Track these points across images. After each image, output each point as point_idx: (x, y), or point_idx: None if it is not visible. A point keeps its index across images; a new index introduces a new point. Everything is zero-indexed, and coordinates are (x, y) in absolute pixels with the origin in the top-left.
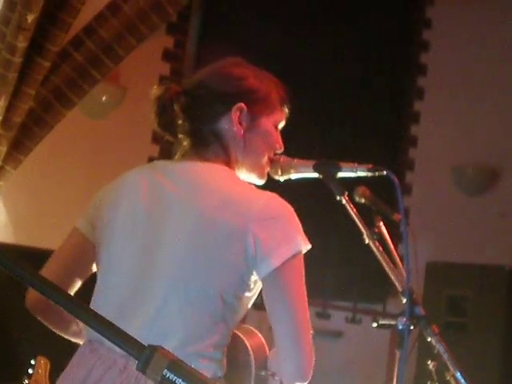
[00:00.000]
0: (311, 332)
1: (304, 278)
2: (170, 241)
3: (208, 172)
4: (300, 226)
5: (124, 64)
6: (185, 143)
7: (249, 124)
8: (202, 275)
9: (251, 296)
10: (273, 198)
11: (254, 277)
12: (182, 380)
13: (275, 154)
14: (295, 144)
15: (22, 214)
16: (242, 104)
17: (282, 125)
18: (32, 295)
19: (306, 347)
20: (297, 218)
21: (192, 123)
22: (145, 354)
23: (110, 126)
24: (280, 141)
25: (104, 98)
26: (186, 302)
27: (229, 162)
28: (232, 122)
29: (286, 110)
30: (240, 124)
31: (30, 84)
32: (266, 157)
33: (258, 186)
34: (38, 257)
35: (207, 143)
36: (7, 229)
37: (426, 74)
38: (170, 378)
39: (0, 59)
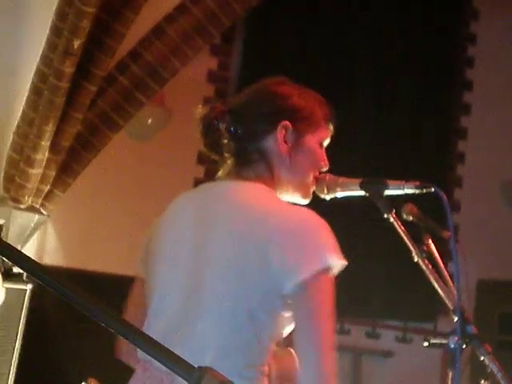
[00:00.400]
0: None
1: (332, 295)
2: (210, 264)
3: (246, 191)
4: (333, 241)
5: (169, 86)
6: (229, 162)
7: (294, 142)
8: (231, 293)
9: (289, 315)
10: (307, 213)
11: (287, 293)
12: None
13: (320, 172)
14: (341, 162)
15: (72, 237)
16: (287, 122)
17: (327, 142)
18: (122, 345)
19: (327, 362)
20: (330, 234)
21: (237, 142)
22: (195, 376)
23: (156, 147)
24: (325, 158)
25: (150, 121)
26: (217, 322)
27: (272, 181)
28: (277, 141)
29: (331, 128)
30: (285, 142)
31: (78, 108)
32: (312, 175)
33: (305, 205)
34: (89, 279)
35: (251, 162)
36: (58, 252)
37: (471, 89)
38: None
39: (48, 85)
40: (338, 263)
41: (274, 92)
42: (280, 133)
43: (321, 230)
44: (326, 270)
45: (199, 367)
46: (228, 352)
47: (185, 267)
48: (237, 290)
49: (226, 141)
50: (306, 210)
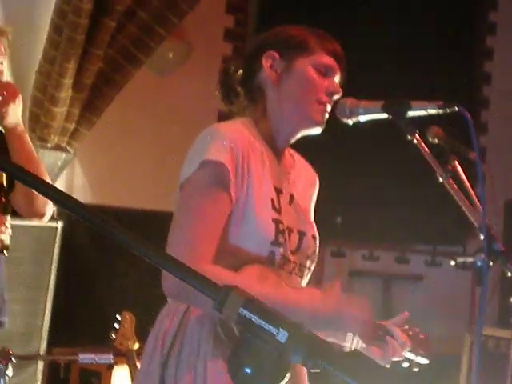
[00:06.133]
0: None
1: (207, 189)
2: None
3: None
4: (213, 144)
5: (188, 19)
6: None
7: (284, 68)
8: None
9: None
10: (210, 126)
11: None
12: (258, 317)
13: (335, 100)
14: (365, 87)
15: (99, 175)
16: (272, 51)
17: (333, 73)
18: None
19: (180, 250)
20: (213, 139)
21: (243, 85)
22: (221, 294)
23: (179, 82)
24: (329, 84)
25: (171, 55)
26: None
27: (263, 115)
28: (265, 71)
29: (333, 59)
30: (274, 71)
31: (98, 45)
32: (314, 100)
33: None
34: (118, 215)
35: (255, 101)
36: (85, 190)
37: (497, 8)
38: (246, 315)
39: (67, 22)
40: (207, 159)
41: (270, 31)
42: (266, 62)
43: (204, 138)
44: (198, 169)
45: (225, 285)
46: None
47: None
48: None
49: (239, 88)
50: (223, 123)
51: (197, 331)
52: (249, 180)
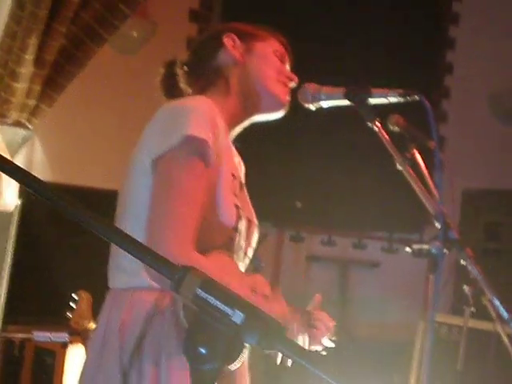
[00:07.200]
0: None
1: (188, 167)
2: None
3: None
4: (196, 120)
5: None
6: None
7: (245, 48)
8: (125, 196)
9: None
10: (185, 99)
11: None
12: (214, 298)
13: (289, 83)
14: (327, 71)
15: (60, 152)
16: (232, 34)
17: (286, 62)
18: None
19: (167, 232)
20: (195, 114)
21: (195, 72)
22: (178, 274)
23: (142, 60)
24: (288, 71)
25: (135, 34)
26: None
27: (226, 93)
28: (227, 49)
29: (285, 48)
30: (237, 49)
31: (61, 21)
32: (279, 81)
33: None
34: (77, 194)
35: (214, 83)
36: (45, 167)
37: None
38: (203, 296)
39: None
40: (189, 134)
41: (221, 24)
42: (228, 42)
43: (180, 110)
44: (179, 144)
45: (183, 266)
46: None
47: None
48: (126, 193)
49: (183, 85)
50: (191, 97)
51: (159, 329)
52: (220, 160)
